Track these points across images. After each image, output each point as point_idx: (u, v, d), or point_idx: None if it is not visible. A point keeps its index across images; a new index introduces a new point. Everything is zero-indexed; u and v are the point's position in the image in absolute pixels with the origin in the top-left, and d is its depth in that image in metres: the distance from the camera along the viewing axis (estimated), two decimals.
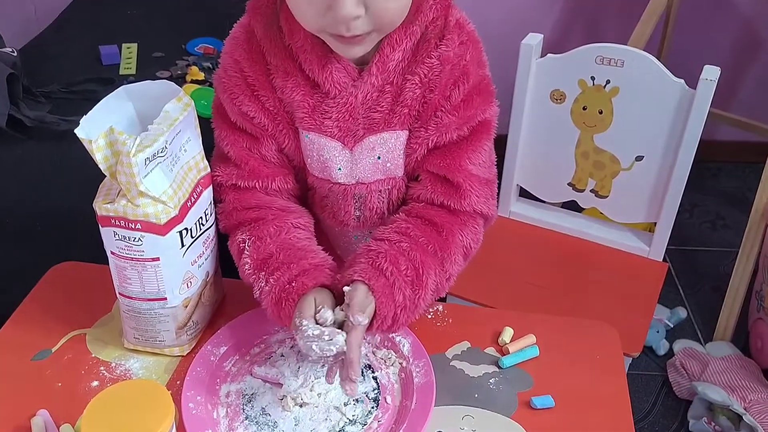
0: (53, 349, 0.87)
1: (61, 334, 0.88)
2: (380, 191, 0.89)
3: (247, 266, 0.83)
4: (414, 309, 0.80)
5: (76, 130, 0.73)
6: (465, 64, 0.82)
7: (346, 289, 0.77)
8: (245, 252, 0.84)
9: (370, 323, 0.77)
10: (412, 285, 0.79)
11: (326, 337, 0.73)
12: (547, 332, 0.89)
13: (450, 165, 0.84)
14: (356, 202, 0.91)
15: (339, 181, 0.88)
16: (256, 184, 0.87)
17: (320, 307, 0.76)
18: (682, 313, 1.77)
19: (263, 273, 0.81)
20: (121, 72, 1.56)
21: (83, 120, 0.73)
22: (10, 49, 1.45)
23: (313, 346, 0.73)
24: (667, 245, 1.41)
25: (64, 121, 1.31)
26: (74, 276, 0.98)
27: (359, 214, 0.92)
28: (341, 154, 0.85)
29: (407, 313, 0.79)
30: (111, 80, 1.49)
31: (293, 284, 0.78)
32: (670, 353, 1.67)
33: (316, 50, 0.79)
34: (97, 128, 0.73)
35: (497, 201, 0.93)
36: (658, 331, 1.70)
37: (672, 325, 1.74)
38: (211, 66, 1.58)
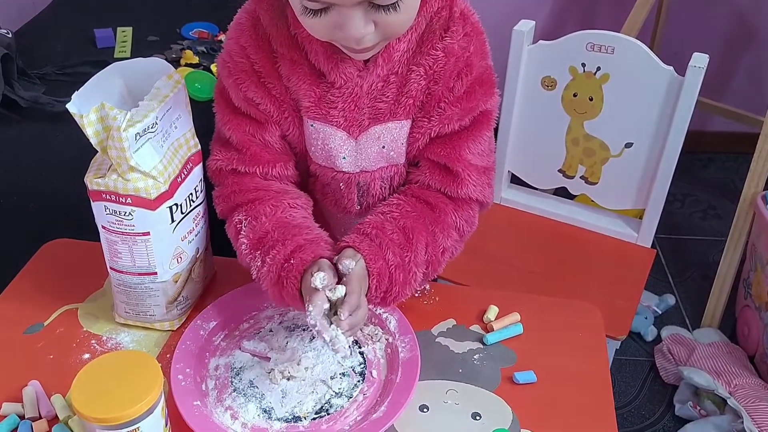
0: (45, 323, 0.88)
1: (53, 309, 0.90)
2: (383, 178, 0.91)
3: (243, 246, 0.83)
4: (408, 272, 0.81)
5: (67, 105, 0.74)
6: (469, 56, 0.83)
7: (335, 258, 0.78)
8: (242, 232, 0.84)
9: (369, 289, 0.78)
10: (401, 246, 0.81)
11: (331, 342, 0.73)
12: (531, 311, 0.91)
13: (450, 154, 0.86)
14: (359, 189, 0.92)
15: (343, 169, 0.89)
16: (257, 169, 0.87)
17: (315, 269, 0.76)
18: (670, 300, 1.78)
19: (259, 252, 0.82)
20: (116, 55, 1.57)
21: (75, 95, 0.75)
22: (5, 31, 1.46)
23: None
24: (658, 233, 1.43)
25: (58, 102, 1.32)
26: (66, 253, 0.99)
27: (362, 201, 0.93)
28: (346, 143, 0.86)
29: (403, 272, 0.80)
30: (105, 63, 1.44)
31: (291, 261, 0.78)
32: (658, 339, 1.69)
33: (323, 42, 0.79)
34: (89, 103, 0.74)
35: None
36: (646, 318, 1.71)
37: (660, 312, 1.76)
38: (205, 50, 1.59)
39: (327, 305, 0.75)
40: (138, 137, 0.74)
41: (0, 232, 1.26)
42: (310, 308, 0.74)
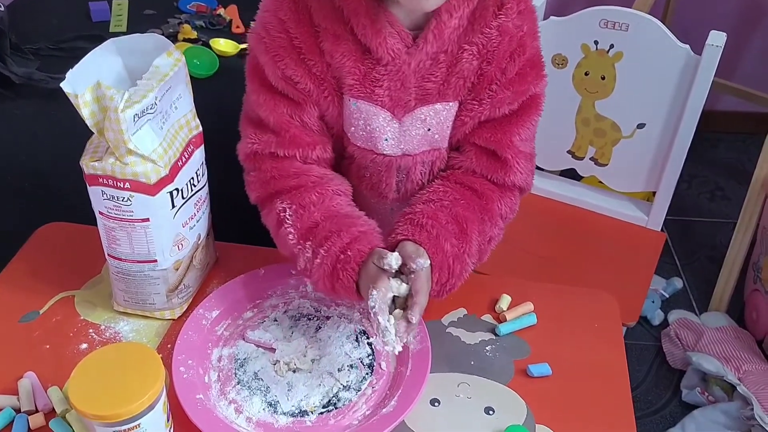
0: (41, 311, 0.85)
1: (49, 296, 0.87)
2: (424, 163, 0.87)
3: (290, 236, 0.79)
4: (463, 263, 0.78)
5: (61, 84, 0.70)
6: (522, 36, 0.80)
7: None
8: (287, 221, 0.80)
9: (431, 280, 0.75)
10: (456, 237, 0.78)
11: (382, 331, 0.70)
12: (545, 300, 0.88)
13: (500, 140, 0.83)
14: (399, 173, 0.88)
15: (384, 152, 0.85)
16: (296, 152, 0.83)
17: (383, 256, 0.72)
18: (677, 283, 1.76)
19: (309, 242, 0.78)
20: (111, 29, 1.52)
21: (69, 74, 0.71)
22: None
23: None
24: (665, 216, 1.39)
25: (52, 79, 1.28)
26: (62, 237, 0.96)
27: (400, 186, 0.89)
28: (389, 124, 0.82)
29: (460, 263, 0.78)
30: (101, 37, 1.39)
31: (348, 253, 0.75)
32: (665, 323, 1.67)
33: (370, 14, 0.75)
34: (84, 82, 0.70)
35: None
36: (653, 301, 1.69)
37: (667, 296, 1.73)
38: (203, 24, 1.54)
39: (391, 294, 0.72)
40: (136, 118, 0.70)
41: None
42: (374, 292, 0.70)
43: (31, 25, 1.50)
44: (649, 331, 1.68)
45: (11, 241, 0.97)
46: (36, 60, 1.38)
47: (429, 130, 0.83)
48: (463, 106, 0.82)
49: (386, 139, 0.84)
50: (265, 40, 0.79)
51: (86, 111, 0.70)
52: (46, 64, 1.38)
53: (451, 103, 0.82)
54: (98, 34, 1.46)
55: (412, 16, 0.78)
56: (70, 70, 0.71)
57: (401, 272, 0.74)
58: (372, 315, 0.70)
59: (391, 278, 0.72)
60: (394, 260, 0.71)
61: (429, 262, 0.74)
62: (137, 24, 1.54)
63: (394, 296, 0.72)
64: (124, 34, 1.49)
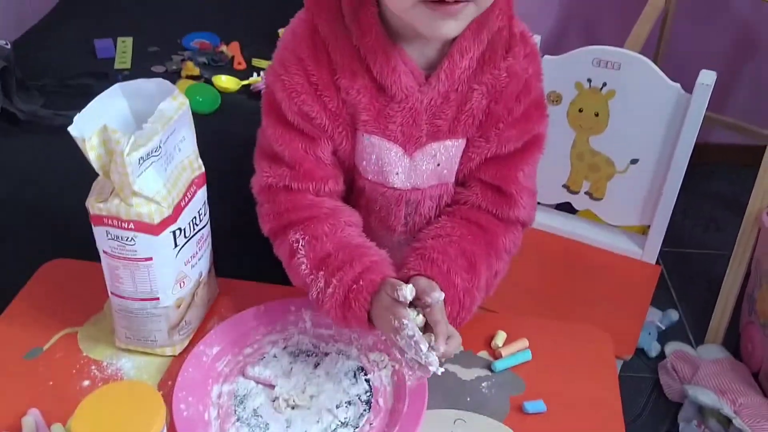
0: (45, 347, 0.86)
1: (53, 332, 0.88)
2: (432, 197, 0.90)
3: (303, 266, 0.82)
4: (472, 297, 0.81)
5: (69, 128, 0.72)
6: (528, 78, 0.83)
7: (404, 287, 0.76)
8: (299, 252, 0.82)
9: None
10: (466, 271, 0.81)
11: (413, 345, 0.72)
12: (540, 336, 0.89)
13: (505, 176, 0.86)
14: (408, 207, 0.91)
15: (395, 185, 0.88)
16: (310, 186, 0.85)
17: (398, 288, 0.74)
18: (674, 315, 1.77)
19: (322, 273, 0.80)
20: (116, 66, 1.55)
21: (77, 118, 0.73)
22: (4, 42, 1.44)
23: (409, 353, 0.74)
24: (661, 247, 1.41)
25: (57, 116, 1.31)
26: (66, 273, 0.97)
27: (408, 219, 0.92)
28: (401, 159, 0.85)
29: (469, 297, 0.80)
30: (105, 74, 1.48)
31: (360, 282, 0.77)
32: (662, 355, 1.68)
33: (386, 53, 0.78)
34: (91, 126, 0.72)
35: None
36: (649, 333, 1.70)
37: (664, 327, 1.75)
38: (206, 61, 1.57)
39: (420, 320, 0.74)
40: (141, 161, 0.73)
41: None
42: (405, 321, 0.72)
43: (36, 62, 1.54)
44: (646, 363, 1.69)
45: (16, 276, 0.98)
46: (41, 96, 1.41)
47: (438, 165, 0.87)
48: (471, 142, 0.86)
49: (397, 173, 0.87)
50: (282, 77, 0.82)
51: (93, 154, 0.72)
52: (51, 100, 1.41)
53: (459, 140, 0.85)
54: (103, 71, 1.51)
55: (426, 55, 0.82)
56: (78, 114, 0.73)
57: (415, 306, 0.76)
58: (413, 344, 0.72)
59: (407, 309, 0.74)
60: (408, 292, 0.74)
61: (444, 295, 0.76)
62: (141, 61, 1.57)
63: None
64: (128, 70, 1.54)
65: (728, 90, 2.23)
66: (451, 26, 0.74)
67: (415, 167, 0.87)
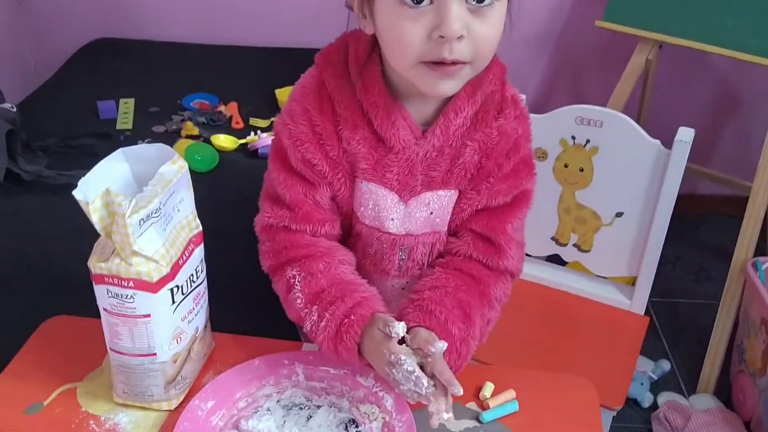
0: (45, 403, 0.88)
1: (53, 388, 0.90)
2: (425, 244, 0.95)
3: (299, 301, 0.87)
4: (468, 345, 0.85)
5: (73, 192, 0.76)
6: (517, 138, 0.90)
7: (406, 337, 0.81)
8: (296, 287, 0.88)
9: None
10: (462, 321, 0.85)
11: (413, 379, 0.76)
12: (527, 387, 0.92)
13: (495, 227, 0.91)
14: (401, 252, 0.95)
15: (389, 230, 0.93)
16: (307, 227, 0.91)
17: (390, 324, 0.79)
18: (665, 365, 1.79)
19: (316, 307, 0.85)
20: (118, 126, 1.61)
21: (81, 182, 0.77)
22: (10, 105, 1.50)
23: (405, 385, 0.77)
24: (651, 297, 1.44)
25: (61, 176, 1.35)
26: (66, 330, 1.00)
27: (402, 264, 0.97)
28: (397, 206, 0.91)
29: (465, 346, 0.84)
30: (108, 135, 1.54)
31: (351, 317, 0.82)
32: (654, 406, 1.69)
33: (387, 109, 0.85)
34: (94, 190, 0.76)
35: None
36: (642, 384, 1.71)
37: (656, 378, 1.76)
38: (205, 121, 1.63)
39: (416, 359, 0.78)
40: (142, 222, 0.77)
41: (0, 305, 1.27)
42: (404, 357, 0.77)
43: (41, 123, 1.59)
44: (639, 413, 1.70)
45: (18, 332, 1.01)
46: (45, 157, 1.46)
47: (431, 213, 0.92)
48: (463, 194, 0.92)
49: (392, 219, 0.92)
50: (289, 126, 0.89)
51: (95, 216, 0.76)
52: (55, 160, 1.46)
53: (452, 191, 0.91)
54: (106, 131, 1.56)
55: (423, 112, 0.88)
56: (82, 179, 0.77)
57: (414, 352, 0.80)
58: (414, 378, 0.76)
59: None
60: (401, 328, 0.78)
61: (446, 345, 0.80)
62: (143, 121, 1.63)
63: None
64: (130, 130, 1.60)
65: (713, 143, 2.29)
66: (449, 85, 0.81)
67: (410, 214, 0.92)
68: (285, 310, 0.91)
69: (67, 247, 1.29)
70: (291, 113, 0.89)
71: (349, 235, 0.97)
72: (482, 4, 0.76)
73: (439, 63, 0.78)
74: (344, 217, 0.95)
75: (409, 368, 0.76)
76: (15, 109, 1.47)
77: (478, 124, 0.88)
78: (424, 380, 0.76)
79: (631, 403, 1.71)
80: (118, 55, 1.96)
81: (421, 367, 0.78)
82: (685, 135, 1.30)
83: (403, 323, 0.79)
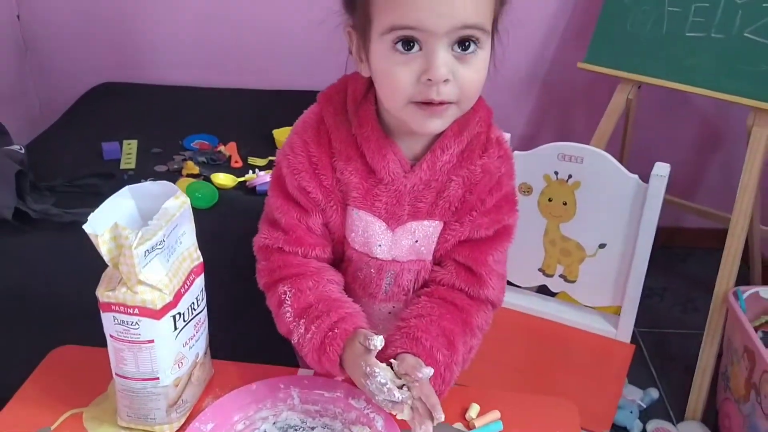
0: (52, 427, 0.93)
1: (60, 413, 0.95)
2: (411, 270, 1.01)
3: (287, 315, 0.94)
4: (452, 371, 0.91)
5: (84, 226, 0.82)
6: (500, 176, 0.96)
7: (393, 362, 0.87)
8: (286, 302, 0.94)
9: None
10: (446, 347, 0.91)
11: (385, 391, 0.82)
12: (511, 408, 0.96)
13: (476, 258, 0.97)
14: (388, 277, 1.01)
15: (377, 256, 0.99)
16: (299, 250, 0.98)
17: (369, 338, 0.84)
18: (654, 393, 1.83)
19: (303, 320, 0.92)
20: (122, 166, 1.67)
21: (90, 217, 0.83)
22: (18, 147, 1.57)
23: (379, 396, 0.83)
24: (639, 327, 1.50)
25: (67, 214, 1.41)
26: (72, 358, 1.05)
27: (388, 288, 1.02)
28: (384, 233, 0.97)
29: (449, 372, 0.90)
30: (111, 174, 1.60)
31: (335, 330, 0.88)
32: None
33: (379, 143, 0.92)
34: (103, 224, 0.82)
35: None
36: (631, 412, 1.75)
37: (645, 406, 1.80)
38: (205, 160, 1.70)
39: (390, 372, 0.84)
40: (147, 254, 0.82)
41: (8, 337, 1.32)
42: (377, 369, 0.82)
43: (47, 164, 1.65)
44: None
45: (24, 360, 1.05)
46: (52, 196, 1.52)
47: (416, 241, 0.98)
48: (447, 225, 0.98)
49: (380, 245, 0.98)
50: (288, 156, 0.96)
51: (104, 248, 0.82)
52: (61, 199, 1.51)
53: (437, 222, 0.97)
54: (110, 171, 1.62)
55: (413, 148, 0.95)
56: (91, 213, 0.83)
57: (400, 378, 0.85)
58: (386, 390, 0.82)
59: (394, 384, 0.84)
60: (378, 341, 0.84)
61: (432, 371, 0.85)
62: (145, 161, 1.69)
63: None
64: (133, 170, 1.66)
65: (696, 178, 2.36)
66: (437, 123, 0.88)
67: (396, 241, 0.98)
68: (276, 324, 0.97)
69: (71, 281, 1.34)
70: (291, 145, 0.97)
71: (342, 259, 1.04)
72: (466, 52, 0.83)
73: (428, 103, 0.85)
74: (337, 243, 1.01)
75: (381, 380, 0.82)
76: (23, 151, 1.54)
77: (464, 161, 0.95)
78: (395, 392, 0.81)
79: (621, 430, 1.75)
80: (121, 99, 2.04)
81: (403, 387, 0.84)
82: (661, 170, 1.36)
83: (381, 337, 0.85)
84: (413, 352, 0.89)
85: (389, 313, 1.05)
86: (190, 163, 1.66)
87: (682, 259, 2.38)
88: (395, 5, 0.81)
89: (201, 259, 0.93)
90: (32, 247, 1.40)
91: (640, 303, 1.46)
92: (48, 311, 1.32)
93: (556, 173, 1.45)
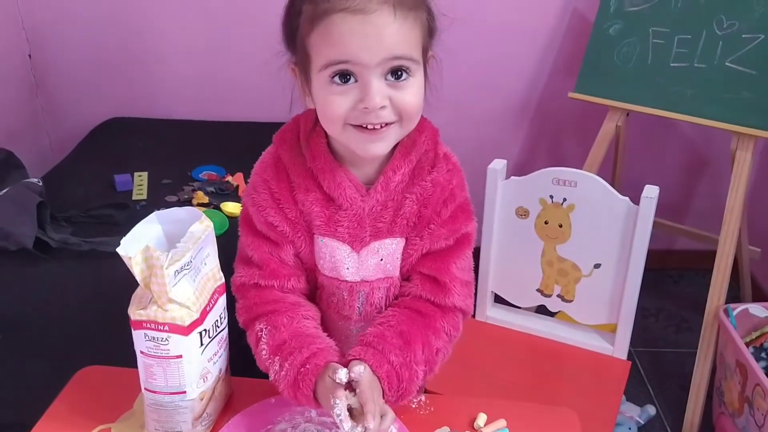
0: None
1: (89, 429, 1.00)
2: (380, 288, 1.06)
3: (264, 352, 0.98)
4: (411, 370, 0.94)
5: (117, 249, 0.88)
6: (452, 188, 1.02)
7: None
8: (262, 340, 0.99)
9: (383, 392, 0.92)
10: (401, 348, 0.95)
11: (338, 422, 0.88)
12: (516, 416, 1.02)
13: (439, 268, 1.03)
14: (360, 297, 1.06)
15: (346, 279, 1.04)
16: (275, 283, 1.03)
17: (335, 371, 0.89)
18: (651, 410, 1.88)
19: (278, 357, 0.96)
20: (134, 197, 1.73)
21: (123, 240, 0.89)
22: (36, 180, 1.63)
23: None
24: (636, 347, 1.55)
25: (85, 242, 1.47)
26: (98, 378, 1.10)
27: (361, 309, 1.07)
28: (350, 255, 1.03)
29: (408, 370, 0.94)
30: (125, 205, 1.66)
31: (307, 366, 0.93)
32: None
33: (333, 173, 0.98)
34: (135, 247, 0.88)
35: (474, 306, 1.08)
36: (630, 428, 1.80)
37: (643, 422, 1.85)
38: (214, 190, 1.76)
39: (347, 402, 0.88)
40: (177, 274, 0.89)
41: (28, 361, 1.37)
42: (336, 401, 0.87)
43: (62, 196, 1.71)
44: None
45: (41, 384, 1.10)
46: (69, 226, 1.58)
47: (382, 260, 1.03)
48: (409, 241, 1.03)
49: (347, 268, 1.03)
50: (252, 195, 1.02)
51: (137, 269, 0.88)
52: (77, 229, 1.57)
53: (398, 239, 1.03)
54: (123, 202, 1.68)
55: (366, 173, 1.01)
56: (124, 237, 0.89)
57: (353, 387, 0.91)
58: (339, 422, 0.88)
59: (345, 390, 0.89)
60: (343, 374, 0.89)
61: (363, 368, 0.90)
62: (156, 192, 1.76)
63: (351, 408, 0.89)
64: (145, 200, 1.72)
65: (686, 201, 2.44)
66: (379, 146, 0.94)
67: (362, 262, 1.03)
68: (256, 360, 1.01)
69: (90, 308, 1.40)
70: (253, 185, 1.03)
71: (316, 287, 1.09)
72: (399, 80, 0.90)
73: (363, 127, 0.91)
74: (309, 272, 1.07)
75: (336, 411, 0.87)
76: (41, 183, 1.60)
77: (415, 178, 1.01)
78: (345, 424, 0.87)
79: None
80: (129, 133, 2.11)
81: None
82: (651, 192, 1.44)
83: (345, 369, 0.90)
84: (363, 358, 0.93)
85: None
86: (199, 193, 1.73)
87: (675, 281, 2.45)
88: (330, 43, 0.88)
89: (223, 280, 0.99)
90: (52, 275, 1.45)
91: (635, 323, 1.52)
92: (66, 336, 1.36)
93: (551, 197, 1.52)
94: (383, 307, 1.07)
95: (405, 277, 1.07)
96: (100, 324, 1.35)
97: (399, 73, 0.90)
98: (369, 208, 1.00)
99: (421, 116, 0.98)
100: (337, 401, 0.88)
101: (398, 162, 0.99)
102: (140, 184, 1.78)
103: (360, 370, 0.90)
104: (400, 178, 0.99)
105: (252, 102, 2.24)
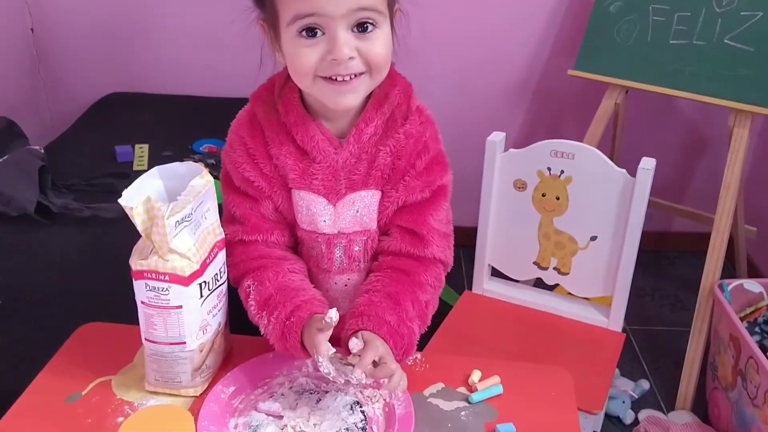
0: (83, 393, 0.99)
1: (90, 381, 1.01)
2: (358, 241, 1.07)
3: (252, 308, 1.00)
4: (407, 326, 0.97)
5: (119, 200, 0.89)
6: (425, 140, 1.03)
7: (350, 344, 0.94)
8: (251, 296, 1.01)
9: (392, 351, 0.94)
10: (392, 309, 0.97)
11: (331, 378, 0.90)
12: (510, 374, 1.04)
13: (416, 220, 1.04)
14: (338, 250, 1.08)
15: (324, 231, 1.06)
16: (258, 237, 1.05)
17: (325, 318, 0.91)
18: (645, 384, 1.90)
19: (265, 312, 0.98)
20: (134, 168, 1.75)
21: (125, 192, 0.90)
22: (38, 147, 1.65)
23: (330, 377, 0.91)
24: (631, 325, 1.57)
25: (87, 208, 1.48)
26: (98, 334, 1.12)
27: (340, 261, 1.09)
28: (326, 208, 1.04)
29: (404, 326, 0.96)
30: (126, 174, 1.68)
31: (291, 319, 0.95)
32: (636, 422, 1.79)
33: (306, 126, 1.00)
34: (137, 199, 0.90)
35: (471, 278, 1.08)
36: (624, 402, 1.82)
37: (637, 396, 1.87)
38: (214, 162, 1.78)
39: (332, 350, 0.91)
40: (177, 225, 0.90)
41: (28, 324, 1.38)
42: (320, 358, 0.90)
43: (65, 166, 1.73)
44: (621, 429, 1.80)
45: (41, 346, 1.11)
46: (70, 194, 1.59)
47: (357, 212, 1.05)
48: (384, 193, 1.04)
49: (324, 221, 1.05)
50: (229, 152, 1.04)
51: (138, 219, 0.89)
52: (78, 197, 1.59)
53: (373, 191, 1.04)
54: (124, 172, 1.70)
55: (338, 126, 1.02)
56: (125, 189, 0.91)
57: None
58: (332, 378, 0.91)
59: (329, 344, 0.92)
60: (333, 313, 0.90)
61: (358, 340, 0.93)
62: (157, 163, 1.68)
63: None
64: (146, 170, 1.73)
65: (684, 181, 2.46)
66: (350, 98, 0.96)
67: (339, 214, 1.05)
68: (249, 316, 1.03)
69: (90, 273, 1.41)
70: (230, 142, 1.05)
71: (297, 241, 1.11)
72: (366, 32, 0.92)
73: (333, 79, 0.93)
74: (290, 226, 1.08)
75: (324, 370, 0.90)
76: (43, 151, 1.62)
77: (388, 131, 1.02)
78: (339, 378, 0.90)
79: (614, 420, 1.81)
80: (131, 108, 2.13)
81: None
82: (648, 164, 1.45)
83: (334, 309, 0.90)
84: (362, 327, 0.95)
85: (345, 285, 1.11)
86: (201, 164, 1.74)
87: (671, 262, 2.47)
88: None
89: (223, 235, 1.00)
90: (53, 241, 1.46)
91: (631, 302, 1.54)
92: (67, 302, 1.38)
93: (549, 169, 1.54)
94: (362, 260, 1.09)
95: (383, 231, 1.08)
96: (101, 289, 1.36)
97: (365, 25, 0.91)
98: (343, 160, 1.01)
99: (394, 70, 1.00)
100: (320, 358, 0.90)
101: (370, 114, 1.00)
102: (141, 156, 1.80)
103: (356, 342, 0.92)
104: (372, 131, 1.00)
105: (251, 78, 2.24)
